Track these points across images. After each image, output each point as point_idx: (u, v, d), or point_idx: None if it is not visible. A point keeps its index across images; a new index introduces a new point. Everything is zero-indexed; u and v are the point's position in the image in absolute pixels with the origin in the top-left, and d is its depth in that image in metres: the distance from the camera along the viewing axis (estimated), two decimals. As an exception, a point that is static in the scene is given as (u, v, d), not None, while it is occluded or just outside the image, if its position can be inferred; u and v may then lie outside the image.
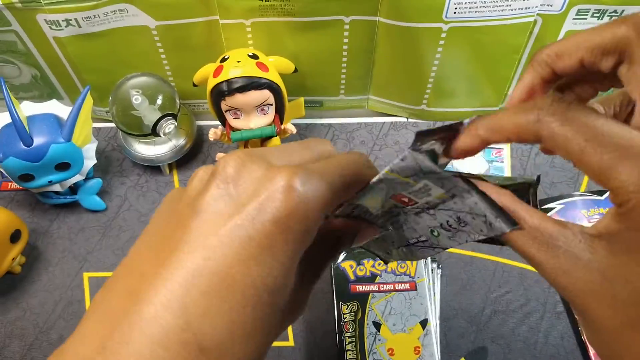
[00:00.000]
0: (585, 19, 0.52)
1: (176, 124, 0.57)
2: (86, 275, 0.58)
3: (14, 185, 0.61)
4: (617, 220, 0.19)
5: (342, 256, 0.54)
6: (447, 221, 0.26)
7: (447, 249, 0.28)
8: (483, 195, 0.23)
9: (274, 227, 0.19)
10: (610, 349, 0.21)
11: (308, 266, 0.24)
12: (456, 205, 0.24)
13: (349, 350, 0.50)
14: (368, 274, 0.53)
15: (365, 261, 0.53)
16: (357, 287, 0.52)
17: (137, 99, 0.55)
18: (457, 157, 0.24)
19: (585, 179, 0.61)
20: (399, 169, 0.22)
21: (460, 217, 0.25)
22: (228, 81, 0.52)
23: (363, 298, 0.52)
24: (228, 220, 0.19)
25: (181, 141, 0.61)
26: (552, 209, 0.57)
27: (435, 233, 0.27)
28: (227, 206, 0.20)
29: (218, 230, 0.19)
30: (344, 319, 0.51)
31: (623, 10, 0.51)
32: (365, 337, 0.50)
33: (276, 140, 0.60)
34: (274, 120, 0.56)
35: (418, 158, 0.22)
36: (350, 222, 0.27)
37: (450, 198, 0.24)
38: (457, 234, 0.26)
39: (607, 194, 0.58)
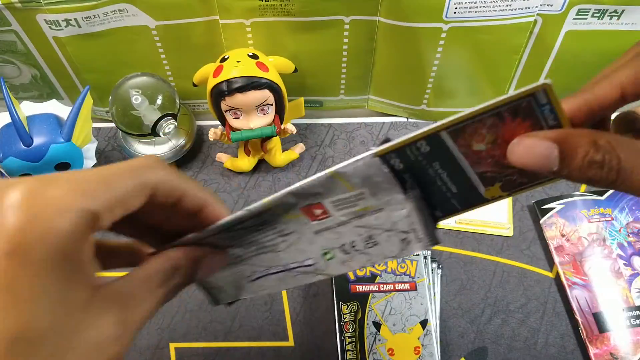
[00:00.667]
0: (586, 19, 0.52)
1: (176, 124, 0.57)
2: (86, 276, 0.57)
3: (13, 185, 0.61)
4: None
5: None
6: (353, 241, 0.26)
7: (331, 276, 0.27)
8: (421, 207, 0.23)
9: (5, 259, 0.16)
10: None
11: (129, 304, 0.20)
12: (376, 221, 0.24)
13: (349, 350, 0.50)
14: (368, 274, 0.53)
15: (365, 261, 0.53)
16: (357, 287, 0.52)
17: (136, 98, 0.55)
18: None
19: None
20: (350, 171, 0.23)
21: (371, 236, 0.25)
22: (228, 81, 0.52)
23: (363, 298, 0.52)
24: None
25: (181, 141, 0.61)
26: (552, 209, 0.57)
27: (329, 256, 0.27)
28: None
29: None
30: (344, 319, 0.51)
31: (623, 10, 0.51)
32: (365, 337, 0.50)
33: (276, 140, 0.60)
34: (273, 120, 0.55)
35: (383, 165, 0.22)
36: (190, 252, 0.24)
37: (376, 212, 0.24)
38: (355, 257, 0.26)
39: (607, 194, 0.58)
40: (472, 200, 0.25)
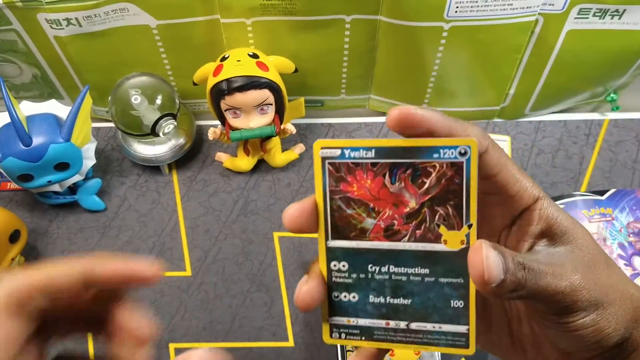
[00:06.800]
0: (587, 18, 0.52)
1: (175, 123, 0.57)
2: (86, 275, 0.57)
3: (13, 185, 0.61)
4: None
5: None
6: None
7: None
8: None
9: None
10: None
11: None
12: None
13: (349, 350, 0.49)
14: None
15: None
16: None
17: (136, 98, 0.54)
18: None
19: (586, 179, 0.61)
20: None
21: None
22: (228, 80, 0.52)
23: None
24: None
25: (181, 141, 0.61)
26: (553, 209, 0.57)
27: None
28: None
29: None
30: (345, 319, 0.51)
31: (625, 10, 0.51)
32: (365, 337, 0.50)
33: (276, 140, 0.60)
34: (273, 120, 0.55)
35: None
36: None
37: None
38: None
39: (608, 194, 0.58)
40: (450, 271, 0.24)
